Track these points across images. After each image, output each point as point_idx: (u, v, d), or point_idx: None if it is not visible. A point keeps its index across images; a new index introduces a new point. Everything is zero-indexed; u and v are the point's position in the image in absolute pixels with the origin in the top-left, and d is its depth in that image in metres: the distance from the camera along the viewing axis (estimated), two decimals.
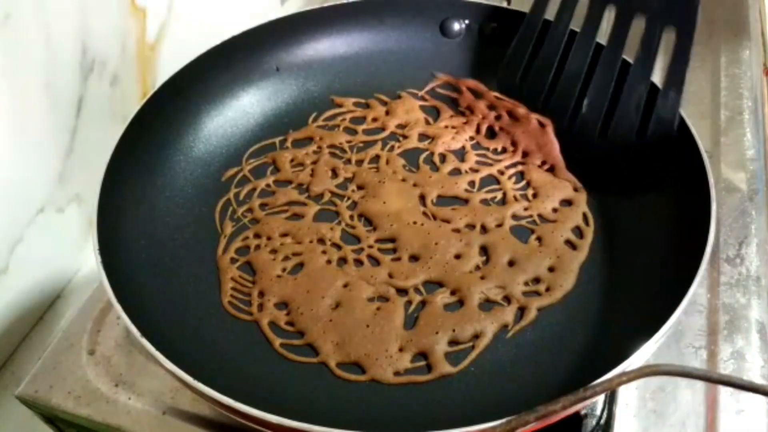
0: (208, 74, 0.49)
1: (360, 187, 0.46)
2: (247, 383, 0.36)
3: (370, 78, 0.53)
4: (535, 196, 0.45)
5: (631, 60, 0.44)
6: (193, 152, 0.48)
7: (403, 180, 0.46)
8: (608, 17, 0.45)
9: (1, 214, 0.44)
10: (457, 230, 0.43)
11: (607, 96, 0.44)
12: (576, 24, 0.47)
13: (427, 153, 0.48)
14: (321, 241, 0.43)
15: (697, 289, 0.33)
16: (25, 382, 0.42)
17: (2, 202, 0.44)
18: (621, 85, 0.44)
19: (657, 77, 0.43)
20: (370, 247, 0.42)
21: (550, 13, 0.48)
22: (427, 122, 0.50)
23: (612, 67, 0.44)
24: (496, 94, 0.50)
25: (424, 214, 0.44)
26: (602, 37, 0.46)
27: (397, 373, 0.36)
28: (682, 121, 0.41)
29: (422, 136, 0.49)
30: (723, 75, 0.60)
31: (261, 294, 0.40)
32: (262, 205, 0.45)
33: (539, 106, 0.47)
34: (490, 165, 0.47)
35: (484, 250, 0.42)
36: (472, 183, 0.46)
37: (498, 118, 0.49)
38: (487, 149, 0.48)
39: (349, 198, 0.46)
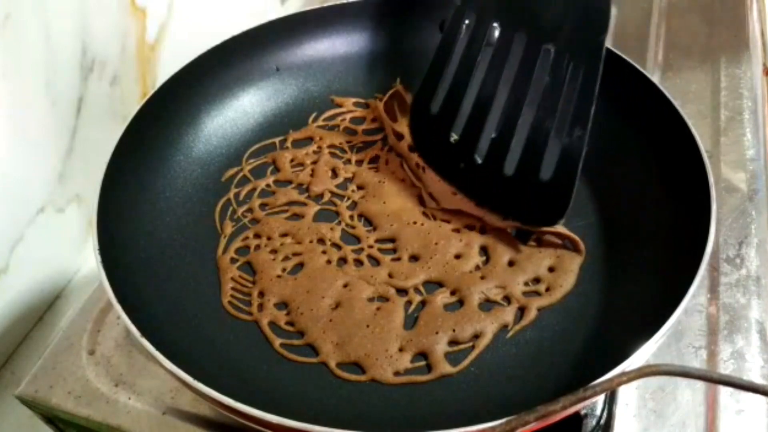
0: (208, 74, 0.49)
1: (360, 187, 0.46)
2: (247, 383, 0.36)
3: (370, 78, 0.53)
4: None
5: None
6: (193, 152, 0.48)
7: (403, 180, 0.46)
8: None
9: (1, 213, 0.44)
10: (457, 230, 0.43)
11: (514, 129, 0.41)
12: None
13: None
14: (321, 241, 0.43)
15: (697, 289, 0.33)
16: (25, 382, 0.42)
17: (2, 201, 0.44)
18: (529, 119, 0.41)
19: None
20: (370, 247, 0.42)
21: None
22: None
23: (520, 99, 0.41)
24: None
25: (424, 214, 0.44)
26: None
27: (397, 373, 0.36)
28: (682, 121, 0.41)
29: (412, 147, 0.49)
30: (723, 75, 0.60)
31: (261, 294, 0.40)
32: (262, 205, 0.45)
33: (448, 138, 0.44)
34: None
35: (484, 250, 0.42)
36: None
37: None
38: None
39: (349, 198, 0.46)
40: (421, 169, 0.45)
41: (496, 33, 0.43)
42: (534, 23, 0.41)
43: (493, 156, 0.42)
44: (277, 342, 0.38)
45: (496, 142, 0.42)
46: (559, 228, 0.40)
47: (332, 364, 0.37)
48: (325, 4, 0.53)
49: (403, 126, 0.48)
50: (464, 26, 0.44)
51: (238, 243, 0.43)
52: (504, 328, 0.38)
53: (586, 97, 0.39)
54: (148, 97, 0.45)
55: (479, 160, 0.42)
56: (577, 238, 0.40)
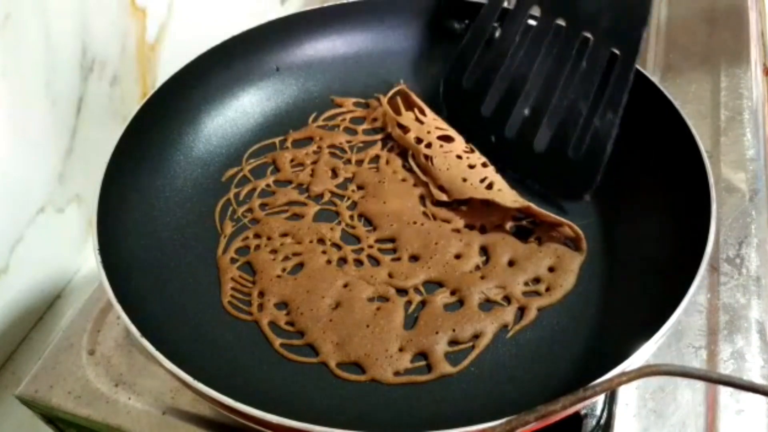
0: (208, 74, 0.49)
1: (360, 187, 0.46)
2: (247, 383, 0.36)
3: (370, 78, 0.53)
4: None
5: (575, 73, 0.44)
6: (193, 152, 0.48)
7: (403, 180, 0.46)
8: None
9: (1, 213, 0.44)
10: (457, 230, 0.43)
11: (548, 109, 0.44)
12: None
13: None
14: (321, 241, 0.43)
15: (697, 289, 0.33)
16: (25, 382, 0.42)
17: (2, 201, 0.44)
18: (563, 100, 0.44)
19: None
20: (370, 247, 0.42)
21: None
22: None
23: (555, 81, 0.44)
24: None
25: (424, 214, 0.44)
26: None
27: (397, 373, 0.36)
28: (682, 121, 0.41)
29: (418, 139, 0.49)
30: (723, 75, 0.60)
31: (261, 294, 0.40)
32: (262, 205, 0.45)
33: (480, 112, 0.47)
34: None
35: (484, 250, 0.42)
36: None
37: None
38: None
39: (349, 198, 0.46)
40: (429, 160, 0.46)
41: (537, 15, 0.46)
42: (575, 10, 0.44)
43: (524, 132, 0.45)
44: (277, 342, 0.38)
45: (527, 119, 0.45)
46: (565, 220, 0.41)
47: (332, 364, 0.37)
48: (325, 4, 0.53)
49: (408, 119, 0.48)
50: (503, 7, 0.47)
51: (238, 243, 0.43)
52: (504, 328, 0.38)
53: (621, 84, 0.41)
54: (148, 97, 0.45)
55: (510, 135, 0.45)
56: (580, 232, 0.41)
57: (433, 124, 0.48)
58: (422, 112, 0.49)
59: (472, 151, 0.46)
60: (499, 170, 0.45)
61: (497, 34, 0.47)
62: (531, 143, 0.44)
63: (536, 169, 0.44)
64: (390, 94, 0.50)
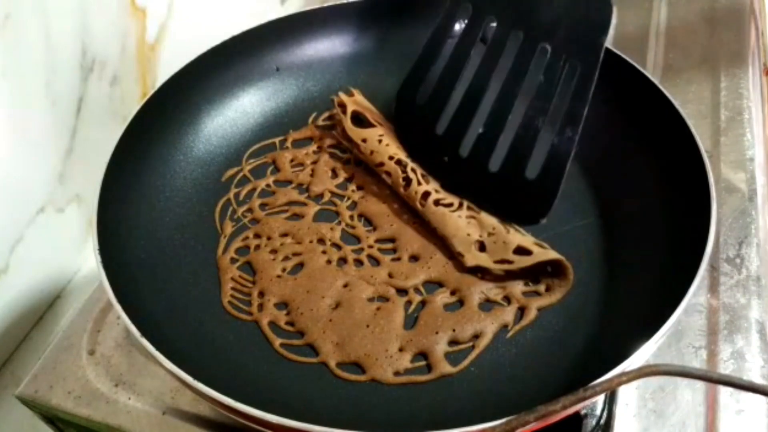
0: (208, 74, 0.49)
1: (360, 187, 0.46)
2: (247, 383, 0.36)
3: (370, 78, 0.53)
4: None
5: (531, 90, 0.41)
6: (193, 152, 0.48)
7: None
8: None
9: (1, 213, 0.44)
10: None
11: (503, 126, 0.41)
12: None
13: None
14: (321, 241, 0.43)
15: (697, 289, 0.33)
16: (25, 382, 0.42)
17: (2, 202, 0.44)
18: (519, 117, 0.41)
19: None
20: (370, 247, 0.42)
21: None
22: None
23: (512, 96, 0.41)
24: None
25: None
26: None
27: (397, 373, 0.36)
28: (682, 121, 0.41)
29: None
30: (723, 75, 0.60)
31: (261, 294, 0.40)
32: (262, 205, 0.45)
33: (434, 130, 0.44)
34: None
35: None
36: None
37: None
38: None
39: (349, 198, 0.46)
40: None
41: (492, 27, 0.43)
42: (532, 21, 0.41)
43: (478, 151, 0.42)
44: (277, 342, 0.38)
45: (482, 137, 0.42)
46: (549, 254, 0.39)
47: (332, 363, 0.37)
48: (325, 4, 0.53)
49: (372, 142, 0.46)
50: (459, 19, 0.44)
51: (238, 243, 0.43)
52: (504, 328, 0.38)
53: (581, 97, 0.39)
54: (148, 97, 0.45)
55: (464, 154, 0.42)
56: (567, 266, 0.39)
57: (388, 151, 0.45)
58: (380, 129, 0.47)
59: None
60: (453, 192, 0.43)
61: (452, 48, 0.44)
62: (486, 163, 0.41)
63: (490, 191, 0.41)
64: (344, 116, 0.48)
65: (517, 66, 0.41)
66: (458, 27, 0.45)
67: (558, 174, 0.39)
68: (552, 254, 0.39)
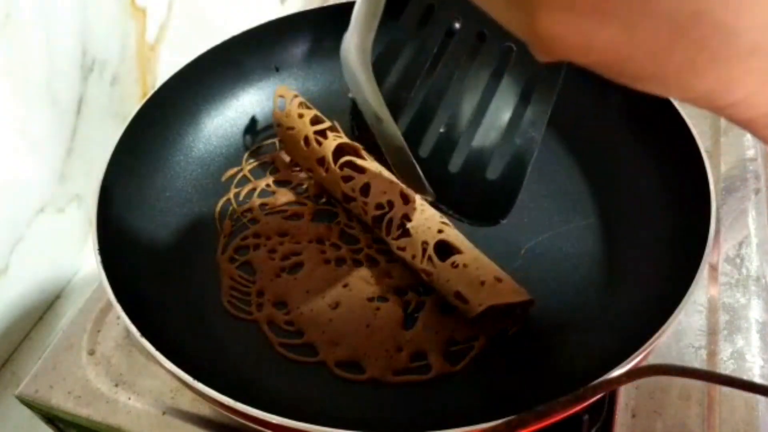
0: (208, 74, 0.49)
1: None
2: (247, 383, 0.36)
3: None
4: None
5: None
6: (193, 152, 0.48)
7: None
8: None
9: (2, 214, 0.44)
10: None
11: (465, 126, 0.40)
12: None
13: None
14: (320, 240, 0.43)
15: (697, 289, 0.33)
16: (25, 382, 0.42)
17: (2, 202, 0.44)
18: (482, 117, 0.39)
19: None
20: (369, 247, 0.42)
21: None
22: None
23: (474, 95, 0.39)
24: None
25: None
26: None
27: (396, 373, 0.36)
28: (682, 121, 0.41)
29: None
30: None
31: (260, 293, 0.40)
32: (262, 205, 0.45)
33: (398, 127, 0.40)
34: None
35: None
36: None
37: None
38: None
39: None
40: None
41: (456, 26, 0.41)
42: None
43: (439, 151, 0.40)
44: (277, 341, 0.38)
45: (443, 137, 0.40)
46: (504, 297, 0.37)
47: (331, 363, 0.37)
48: (325, 4, 0.53)
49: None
50: (422, 16, 0.42)
51: (237, 243, 0.43)
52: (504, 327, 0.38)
53: (545, 99, 0.38)
54: (148, 97, 0.45)
55: (424, 155, 0.40)
56: (523, 298, 0.37)
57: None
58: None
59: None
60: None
61: (415, 47, 0.42)
62: (446, 163, 0.39)
63: (451, 191, 0.40)
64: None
65: (481, 65, 0.40)
66: (421, 25, 0.43)
67: (519, 175, 0.38)
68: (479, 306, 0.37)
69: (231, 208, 0.45)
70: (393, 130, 0.35)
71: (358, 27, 0.31)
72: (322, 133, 0.45)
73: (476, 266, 0.38)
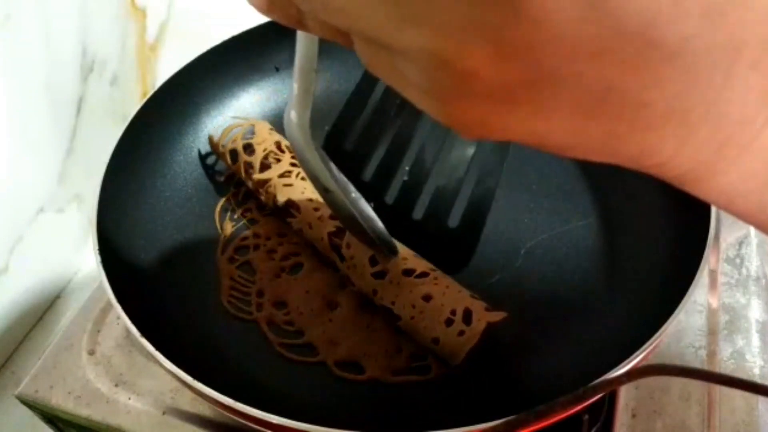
0: (208, 74, 0.49)
1: None
2: (247, 383, 0.36)
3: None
4: None
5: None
6: (193, 152, 0.48)
7: None
8: None
9: (1, 214, 0.44)
10: None
11: (428, 174, 0.40)
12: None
13: None
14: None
15: (697, 289, 0.33)
16: (25, 382, 0.42)
17: (2, 202, 0.44)
18: (442, 166, 0.40)
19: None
20: None
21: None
22: None
23: (436, 144, 0.40)
24: None
25: None
26: None
27: (396, 373, 0.36)
28: None
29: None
30: None
31: (260, 293, 0.40)
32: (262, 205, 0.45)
33: (361, 177, 0.41)
34: None
35: None
36: None
37: None
38: None
39: None
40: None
41: None
42: None
43: (403, 198, 0.40)
44: (277, 341, 0.38)
45: (407, 185, 0.40)
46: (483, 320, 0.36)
47: (331, 363, 0.37)
48: None
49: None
50: None
51: (237, 243, 0.43)
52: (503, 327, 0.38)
53: (500, 148, 0.38)
54: (148, 97, 0.45)
55: (390, 202, 0.40)
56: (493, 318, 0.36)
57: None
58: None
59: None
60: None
61: (381, 94, 0.42)
62: (410, 211, 0.40)
63: (415, 238, 0.40)
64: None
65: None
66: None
67: (477, 225, 0.38)
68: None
69: (231, 208, 0.45)
70: (341, 200, 0.35)
71: (295, 105, 0.32)
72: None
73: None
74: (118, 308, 0.33)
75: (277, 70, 0.52)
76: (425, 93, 0.16)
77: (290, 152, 0.45)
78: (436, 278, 0.38)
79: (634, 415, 0.39)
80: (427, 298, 0.37)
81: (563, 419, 0.30)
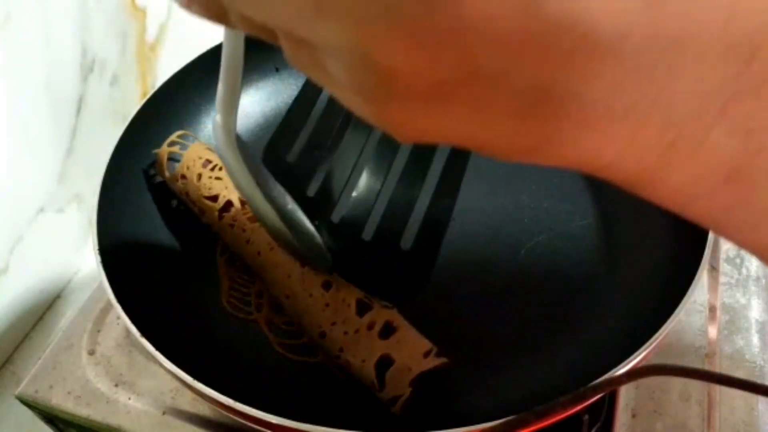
0: (208, 74, 0.49)
1: None
2: (247, 383, 0.36)
3: None
4: None
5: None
6: None
7: None
8: None
9: (1, 214, 0.44)
10: None
11: (378, 192, 0.36)
12: None
13: None
14: None
15: (697, 289, 0.33)
16: (25, 382, 0.42)
17: (2, 202, 0.44)
18: (394, 183, 0.36)
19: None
20: None
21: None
22: None
23: (388, 160, 0.37)
24: None
25: None
26: None
27: None
28: None
29: None
30: None
31: (260, 294, 0.40)
32: None
33: (305, 193, 0.38)
34: None
35: None
36: None
37: None
38: None
39: None
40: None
41: None
42: None
43: (351, 217, 0.37)
44: (277, 341, 0.38)
45: (356, 203, 0.37)
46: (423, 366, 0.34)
47: (331, 363, 0.37)
48: None
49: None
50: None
51: None
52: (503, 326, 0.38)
53: (459, 164, 0.35)
54: (148, 97, 0.45)
55: (337, 221, 0.37)
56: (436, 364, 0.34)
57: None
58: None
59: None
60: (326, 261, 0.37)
61: (327, 103, 0.39)
62: (359, 231, 0.36)
63: (364, 261, 0.37)
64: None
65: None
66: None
67: (433, 246, 0.34)
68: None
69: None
70: (265, 210, 0.33)
71: (219, 106, 0.31)
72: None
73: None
74: (118, 308, 0.33)
75: (277, 70, 0.52)
76: (352, 92, 0.15)
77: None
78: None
79: (634, 415, 0.39)
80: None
81: (563, 419, 0.30)
